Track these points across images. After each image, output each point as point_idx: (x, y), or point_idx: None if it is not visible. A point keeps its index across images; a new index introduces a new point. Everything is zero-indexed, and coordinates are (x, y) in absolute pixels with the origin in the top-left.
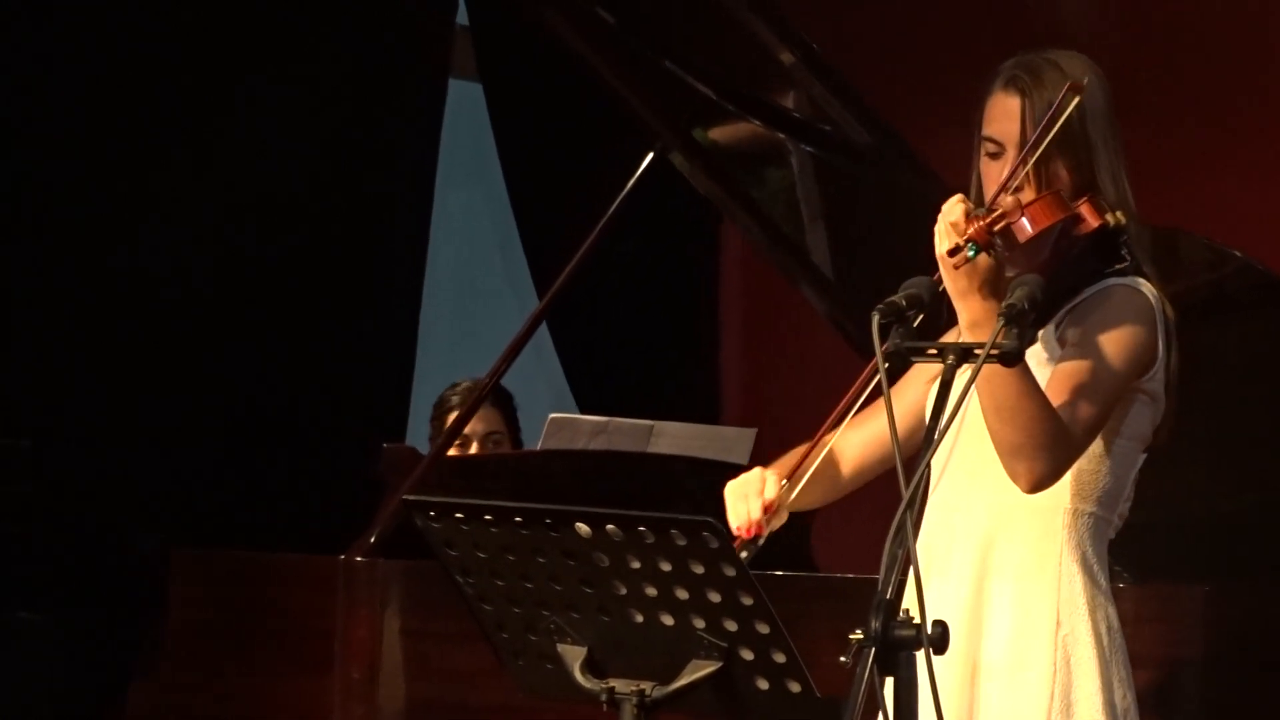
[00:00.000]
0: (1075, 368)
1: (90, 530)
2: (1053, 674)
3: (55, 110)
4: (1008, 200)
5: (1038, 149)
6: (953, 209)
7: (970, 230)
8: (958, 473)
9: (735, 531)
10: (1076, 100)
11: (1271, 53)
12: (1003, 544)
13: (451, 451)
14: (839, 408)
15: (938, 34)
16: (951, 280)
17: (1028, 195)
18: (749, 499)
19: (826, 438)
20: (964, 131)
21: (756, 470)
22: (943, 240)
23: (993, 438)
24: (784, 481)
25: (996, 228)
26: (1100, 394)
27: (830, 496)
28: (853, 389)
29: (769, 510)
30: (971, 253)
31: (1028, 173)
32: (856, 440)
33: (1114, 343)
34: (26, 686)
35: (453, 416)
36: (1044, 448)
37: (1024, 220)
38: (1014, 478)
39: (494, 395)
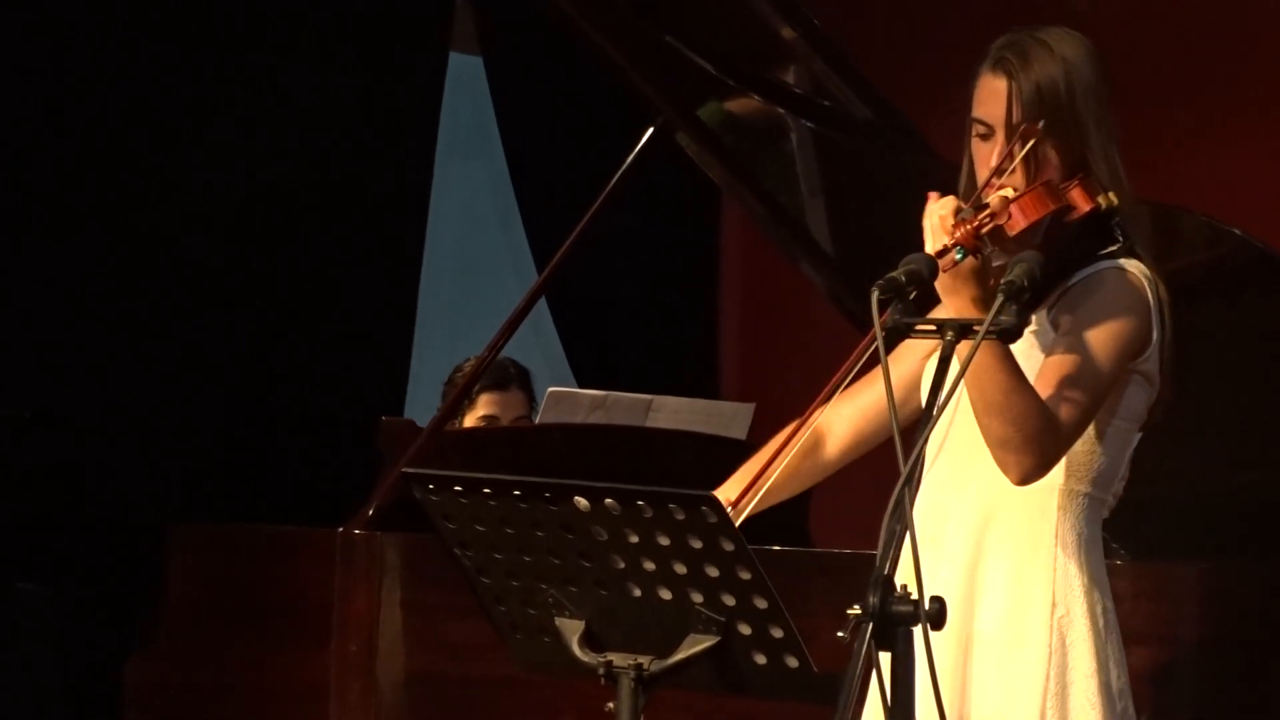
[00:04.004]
0: (1065, 359)
1: (90, 502)
2: (1048, 655)
3: (66, 86)
4: (995, 199)
5: (1014, 159)
6: (940, 207)
7: (958, 234)
8: (954, 451)
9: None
10: (1032, 143)
11: (1272, 30)
12: (998, 524)
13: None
14: (829, 385)
15: (938, 10)
16: (939, 277)
17: (1018, 181)
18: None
19: (809, 421)
20: (964, 109)
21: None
22: (930, 239)
23: (982, 430)
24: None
25: (984, 230)
26: (1090, 385)
27: (815, 478)
28: (845, 364)
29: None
30: (959, 256)
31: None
32: (848, 414)
33: (1105, 331)
34: (25, 658)
35: (479, 395)
36: (1032, 440)
37: (1014, 214)
38: (1003, 469)
39: (519, 377)
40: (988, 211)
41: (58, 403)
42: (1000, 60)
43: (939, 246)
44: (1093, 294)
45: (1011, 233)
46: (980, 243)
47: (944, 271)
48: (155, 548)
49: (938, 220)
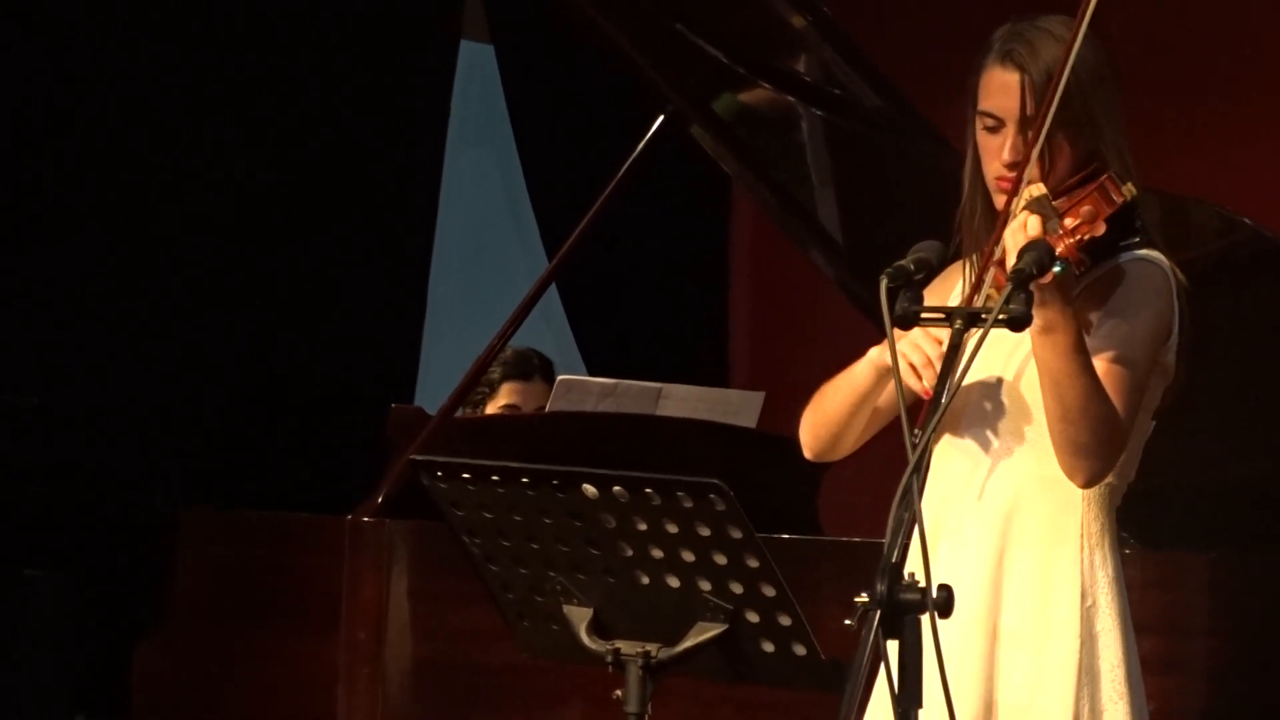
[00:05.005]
0: (1111, 358)
1: (98, 489)
2: (1078, 647)
3: (78, 75)
4: (1085, 210)
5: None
6: (1029, 225)
7: (1060, 249)
8: (974, 441)
9: (926, 393)
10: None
11: None
12: (1023, 516)
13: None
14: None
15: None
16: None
17: (1034, 173)
18: (933, 364)
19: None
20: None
21: (919, 332)
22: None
23: (1057, 438)
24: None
25: (1084, 240)
26: (1136, 381)
27: (866, 436)
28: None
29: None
30: (1059, 269)
31: (1031, 149)
32: None
33: (1140, 324)
34: (33, 645)
35: (501, 384)
36: (1106, 444)
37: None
38: (1072, 474)
39: (542, 368)
40: (1080, 222)
41: (66, 389)
42: (1009, 53)
43: None
44: (1122, 288)
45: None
46: (1082, 255)
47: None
48: (164, 535)
49: (1024, 238)
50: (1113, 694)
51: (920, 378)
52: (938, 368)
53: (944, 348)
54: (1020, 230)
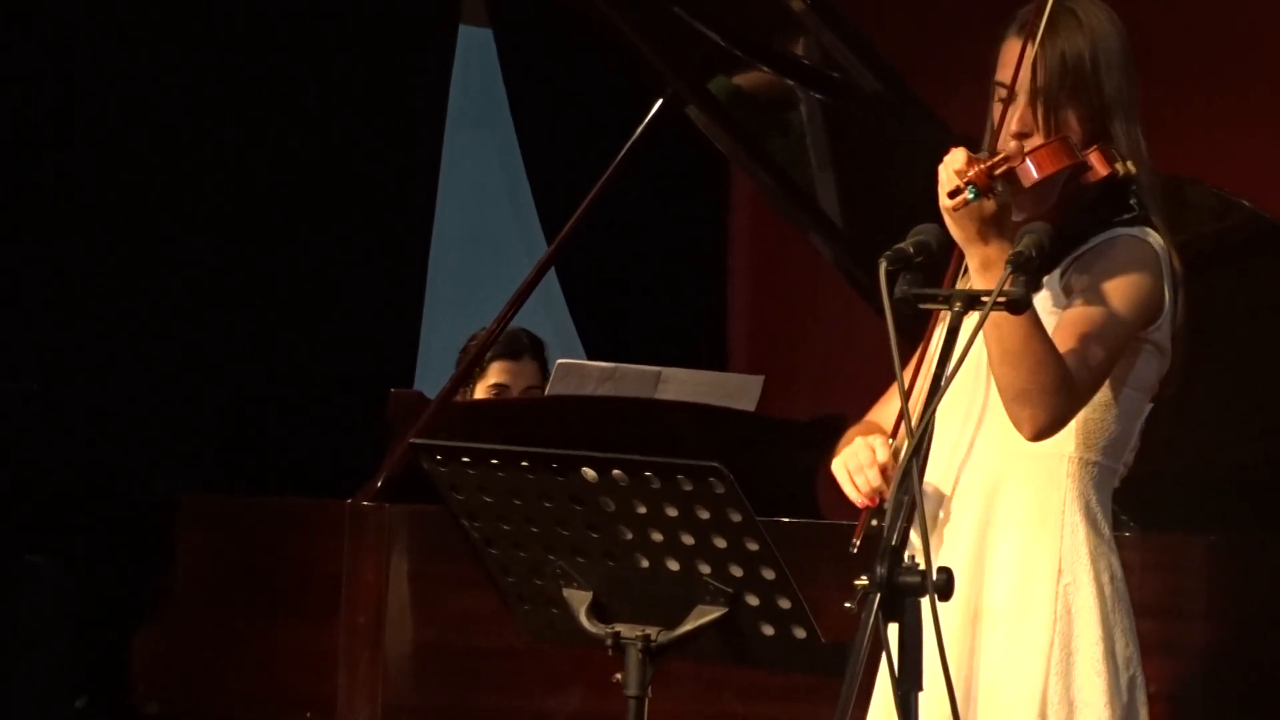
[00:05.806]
0: (1081, 316)
1: (99, 474)
2: (1053, 623)
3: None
4: (1011, 145)
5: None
6: (954, 156)
7: (970, 173)
8: (962, 418)
9: (861, 503)
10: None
11: None
12: (1007, 491)
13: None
14: (917, 369)
15: None
16: (956, 227)
17: (1036, 141)
18: (864, 470)
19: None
20: (975, 82)
21: (859, 440)
22: (943, 185)
23: (998, 382)
24: (890, 440)
25: (997, 171)
26: (1106, 343)
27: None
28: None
29: (886, 474)
30: (971, 195)
31: (1037, 119)
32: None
33: (1119, 292)
34: (34, 631)
35: (490, 364)
36: (1048, 394)
37: (1029, 165)
38: (1017, 424)
39: (532, 347)
40: (1001, 155)
41: (67, 376)
42: (1028, 25)
43: (951, 187)
44: (1107, 258)
45: (1027, 183)
46: (993, 183)
47: (957, 212)
48: (164, 519)
49: (950, 170)
50: (1090, 671)
51: (856, 488)
52: (869, 475)
53: (878, 456)
54: (947, 163)
